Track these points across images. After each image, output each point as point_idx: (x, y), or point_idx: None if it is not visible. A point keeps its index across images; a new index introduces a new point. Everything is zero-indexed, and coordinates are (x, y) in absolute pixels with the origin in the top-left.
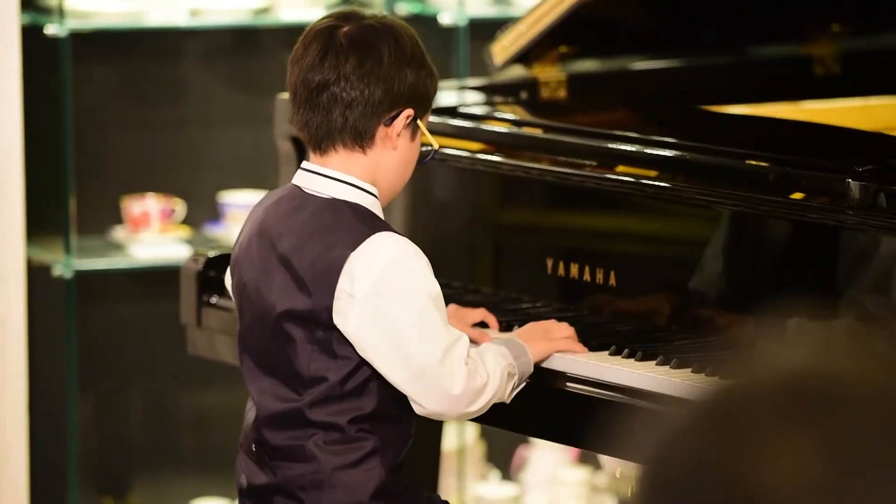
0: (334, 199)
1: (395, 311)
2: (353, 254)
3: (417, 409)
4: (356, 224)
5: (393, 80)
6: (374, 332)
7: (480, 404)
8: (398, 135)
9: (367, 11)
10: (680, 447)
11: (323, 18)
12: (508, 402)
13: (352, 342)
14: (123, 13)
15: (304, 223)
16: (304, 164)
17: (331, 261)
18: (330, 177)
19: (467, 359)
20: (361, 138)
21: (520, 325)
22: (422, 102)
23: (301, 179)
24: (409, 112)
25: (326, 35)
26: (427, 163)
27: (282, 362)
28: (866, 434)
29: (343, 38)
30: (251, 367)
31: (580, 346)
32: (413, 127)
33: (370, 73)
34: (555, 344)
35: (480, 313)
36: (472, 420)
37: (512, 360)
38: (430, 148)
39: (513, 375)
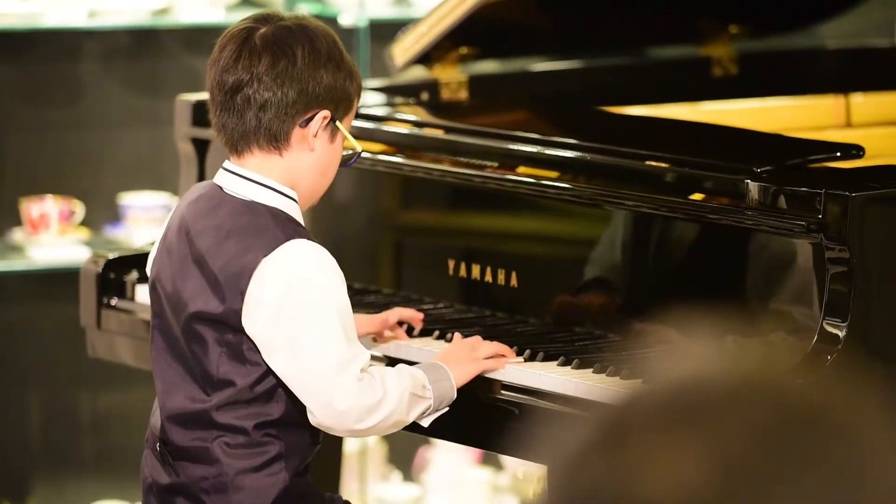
0: (252, 202)
1: (297, 319)
2: (265, 259)
3: (311, 419)
4: (273, 229)
5: (307, 81)
6: (276, 337)
7: (372, 423)
8: (315, 136)
9: (287, 13)
10: (575, 466)
11: (242, 21)
12: (426, 425)
13: (258, 346)
14: (21, 14)
15: (220, 223)
16: (225, 163)
17: (244, 264)
18: (248, 178)
19: (362, 375)
20: (277, 140)
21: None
22: (340, 104)
23: (221, 179)
24: (326, 114)
25: (242, 37)
26: (350, 166)
27: (192, 362)
28: (742, 432)
29: (258, 40)
30: (161, 364)
31: (503, 364)
32: (332, 129)
33: (283, 73)
34: (480, 365)
35: (396, 314)
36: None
37: (425, 382)
38: (351, 151)
39: (420, 398)
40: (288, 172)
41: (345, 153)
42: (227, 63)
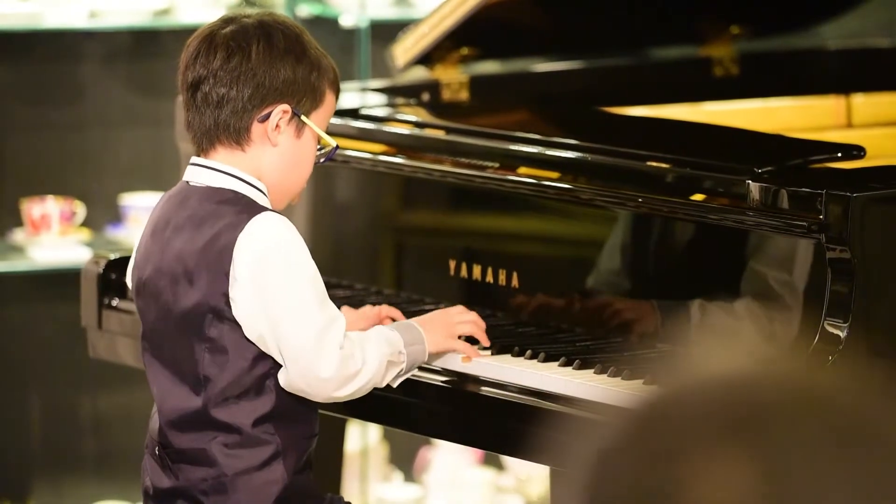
0: (219, 188)
1: (274, 293)
2: (240, 236)
3: (282, 381)
4: (238, 208)
5: (263, 77)
6: (256, 312)
7: (350, 390)
8: (277, 131)
9: (254, 11)
10: (614, 465)
11: (211, 22)
12: (395, 385)
13: (242, 326)
14: (21, 14)
15: (192, 213)
16: (192, 159)
17: (220, 247)
18: (214, 168)
19: (343, 342)
20: (238, 135)
21: None
22: (304, 97)
23: (188, 174)
24: (285, 108)
25: (206, 37)
26: (325, 162)
27: (181, 363)
28: (794, 445)
29: (219, 38)
30: (154, 369)
31: (482, 336)
32: (298, 123)
33: (237, 69)
34: (453, 344)
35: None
36: (378, 423)
37: (401, 347)
38: (325, 148)
39: (396, 364)
40: (252, 167)
41: (320, 150)
42: (189, 61)
